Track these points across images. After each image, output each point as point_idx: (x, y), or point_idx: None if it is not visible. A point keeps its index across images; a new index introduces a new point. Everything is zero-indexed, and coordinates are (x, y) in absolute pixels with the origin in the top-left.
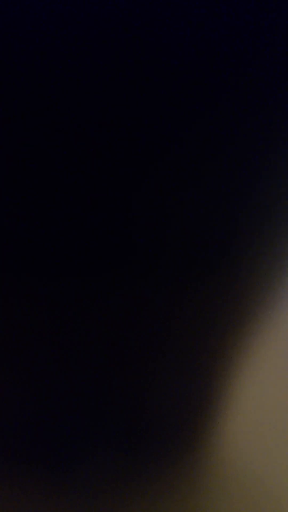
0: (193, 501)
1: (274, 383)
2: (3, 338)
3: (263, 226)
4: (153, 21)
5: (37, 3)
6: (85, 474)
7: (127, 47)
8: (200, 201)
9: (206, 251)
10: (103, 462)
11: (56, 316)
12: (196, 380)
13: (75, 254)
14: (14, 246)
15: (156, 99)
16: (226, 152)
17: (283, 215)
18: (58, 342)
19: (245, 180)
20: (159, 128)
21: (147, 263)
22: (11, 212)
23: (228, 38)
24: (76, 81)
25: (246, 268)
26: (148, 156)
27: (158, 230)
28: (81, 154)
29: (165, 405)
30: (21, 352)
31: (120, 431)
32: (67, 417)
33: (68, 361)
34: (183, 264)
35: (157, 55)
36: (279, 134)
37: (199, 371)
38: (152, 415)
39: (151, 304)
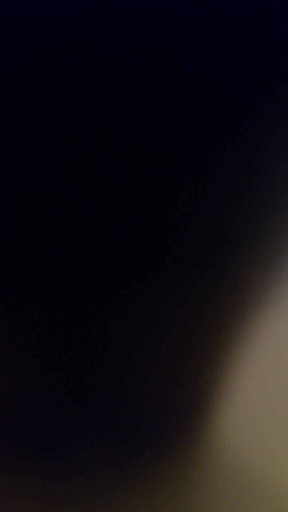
0: (192, 496)
1: (272, 376)
2: (3, 331)
3: (260, 214)
4: (152, 19)
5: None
6: (83, 471)
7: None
8: (196, 190)
9: (205, 242)
10: (101, 460)
11: (52, 312)
12: (193, 375)
13: (71, 247)
14: (12, 239)
15: (153, 89)
16: (221, 141)
17: (281, 204)
18: (56, 338)
19: (242, 168)
20: (154, 121)
21: (145, 255)
22: (12, 210)
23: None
24: (76, 82)
25: (244, 260)
26: (142, 147)
27: (155, 222)
28: (79, 151)
29: (163, 401)
30: (20, 349)
31: (117, 427)
32: (64, 415)
33: (65, 358)
34: (181, 256)
35: (153, 38)
36: (279, 130)
37: (196, 366)
38: (150, 411)
39: (147, 297)
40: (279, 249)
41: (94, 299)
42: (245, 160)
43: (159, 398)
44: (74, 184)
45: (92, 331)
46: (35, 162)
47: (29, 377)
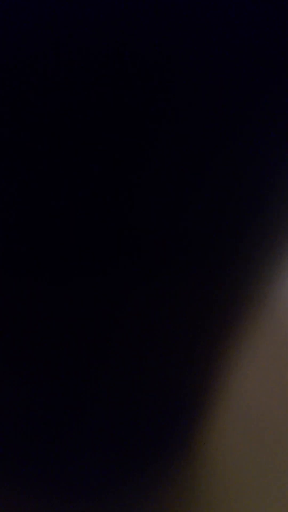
0: (191, 497)
1: (271, 379)
2: (4, 333)
3: (260, 219)
4: (151, 17)
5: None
6: (83, 473)
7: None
8: (198, 197)
9: (205, 246)
10: (101, 461)
11: (54, 311)
12: (192, 378)
13: (76, 250)
14: (15, 242)
15: (157, 101)
16: (225, 152)
17: (281, 211)
18: (57, 340)
19: (242, 167)
20: (161, 129)
21: (145, 256)
22: (13, 208)
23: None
24: (75, 81)
25: (244, 260)
26: (150, 156)
27: (158, 227)
28: (81, 154)
29: (163, 402)
30: (21, 351)
31: (117, 429)
32: (65, 416)
33: (66, 359)
34: (182, 259)
35: (156, 51)
36: (281, 138)
37: (196, 369)
38: (150, 412)
39: (146, 297)
40: (280, 250)
41: (94, 305)
42: (245, 160)
43: (161, 403)
44: (74, 185)
45: (92, 336)
46: (34, 167)
47: (30, 377)
